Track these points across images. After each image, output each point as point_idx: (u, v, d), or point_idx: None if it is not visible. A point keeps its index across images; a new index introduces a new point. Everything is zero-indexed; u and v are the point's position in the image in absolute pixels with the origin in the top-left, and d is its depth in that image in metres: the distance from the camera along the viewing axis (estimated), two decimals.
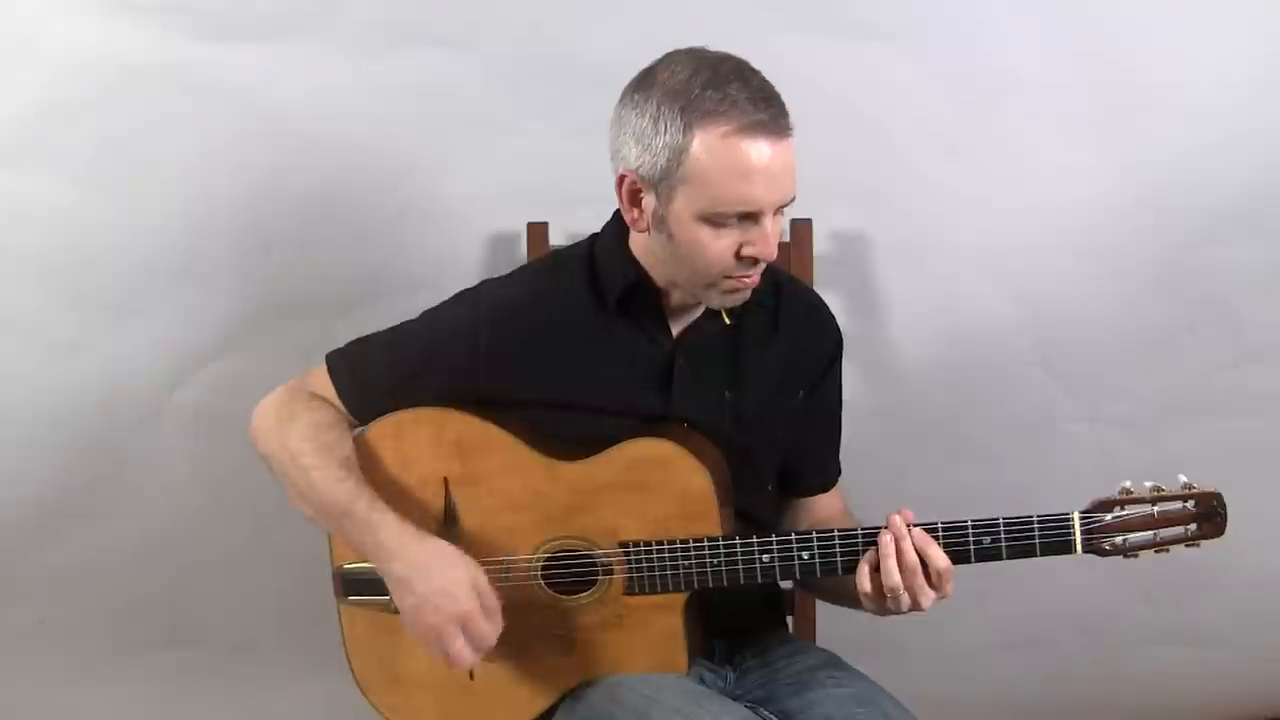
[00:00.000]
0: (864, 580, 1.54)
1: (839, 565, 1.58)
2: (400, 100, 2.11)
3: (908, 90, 2.16)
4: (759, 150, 1.50)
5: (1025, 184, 2.21)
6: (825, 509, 1.83)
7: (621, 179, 1.59)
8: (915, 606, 1.54)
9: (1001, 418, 2.33)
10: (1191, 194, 2.21)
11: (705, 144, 1.50)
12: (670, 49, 1.57)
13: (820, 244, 2.13)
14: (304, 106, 2.10)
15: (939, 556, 1.52)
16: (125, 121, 2.08)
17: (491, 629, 1.59)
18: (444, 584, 1.57)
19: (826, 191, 2.06)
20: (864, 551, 1.57)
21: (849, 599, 1.62)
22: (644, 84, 1.55)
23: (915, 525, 1.55)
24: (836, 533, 1.58)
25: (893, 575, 1.52)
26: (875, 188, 2.19)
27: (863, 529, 1.57)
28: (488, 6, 2.10)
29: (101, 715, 2.35)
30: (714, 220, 1.53)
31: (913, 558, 1.52)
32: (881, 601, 1.55)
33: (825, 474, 1.83)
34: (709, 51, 1.55)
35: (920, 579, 1.52)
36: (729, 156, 1.49)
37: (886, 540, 1.53)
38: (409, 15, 2.08)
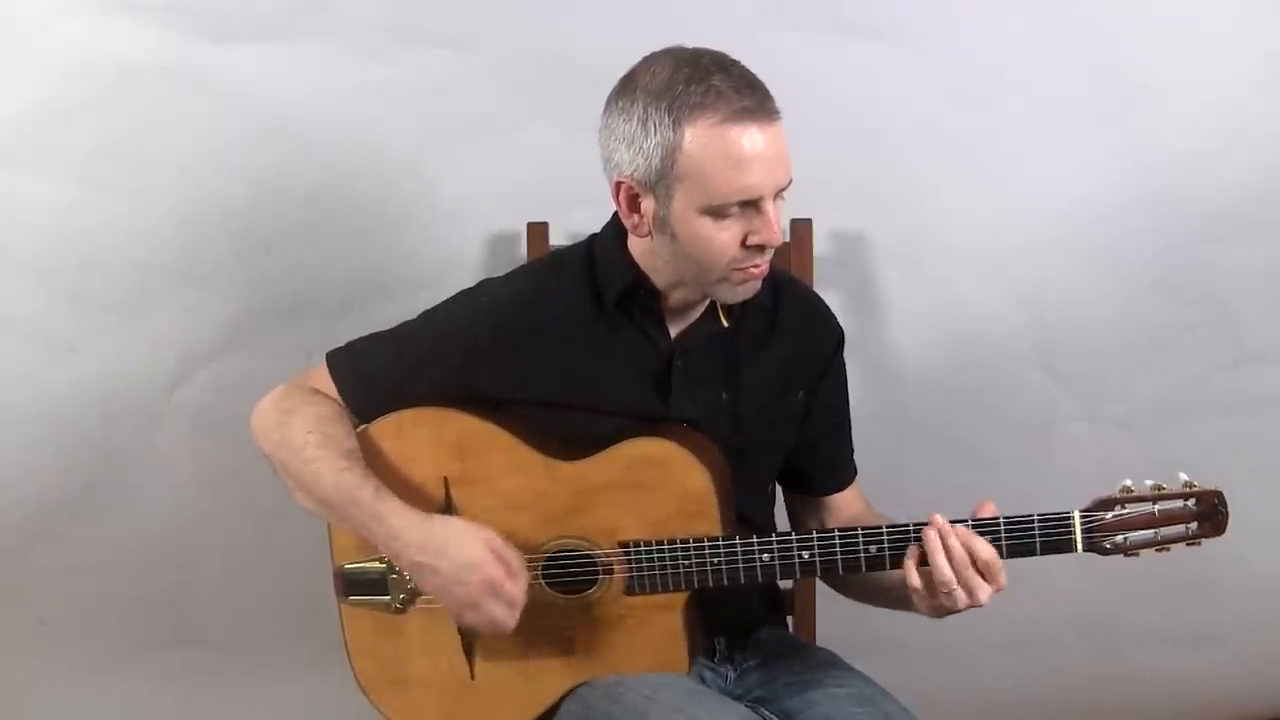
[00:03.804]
0: (913, 576, 1.54)
1: (839, 564, 1.58)
2: (400, 100, 2.12)
3: (908, 91, 2.16)
4: (750, 137, 1.50)
5: (1025, 184, 2.22)
6: (847, 509, 1.82)
7: (618, 186, 1.59)
8: (972, 601, 1.53)
9: (1001, 419, 2.33)
10: (1191, 194, 2.22)
11: (696, 137, 1.50)
12: (665, 47, 1.57)
13: (820, 244, 2.13)
14: (304, 107, 2.11)
15: (984, 548, 1.51)
16: (125, 122, 2.08)
17: (519, 586, 1.59)
18: (463, 557, 1.57)
19: (826, 192, 2.07)
20: (865, 550, 1.57)
21: (899, 601, 1.62)
22: (627, 89, 1.55)
23: (914, 524, 1.55)
24: (836, 532, 1.58)
25: (944, 570, 1.51)
26: (875, 188, 2.19)
27: (862, 529, 1.57)
28: (488, 6, 2.10)
29: (103, 715, 2.34)
30: (715, 212, 1.53)
31: (960, 552, 1.51)
32: (934, 597, 1.54)
33: (839, 473, 1.83)
34: (685, 48, 1.56)
35: (970, 572, 1.51)
36: (721, 146, 1.50)
37: (932, 536, 1.52)
38: (409, 16, 2.09)
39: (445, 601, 1.61)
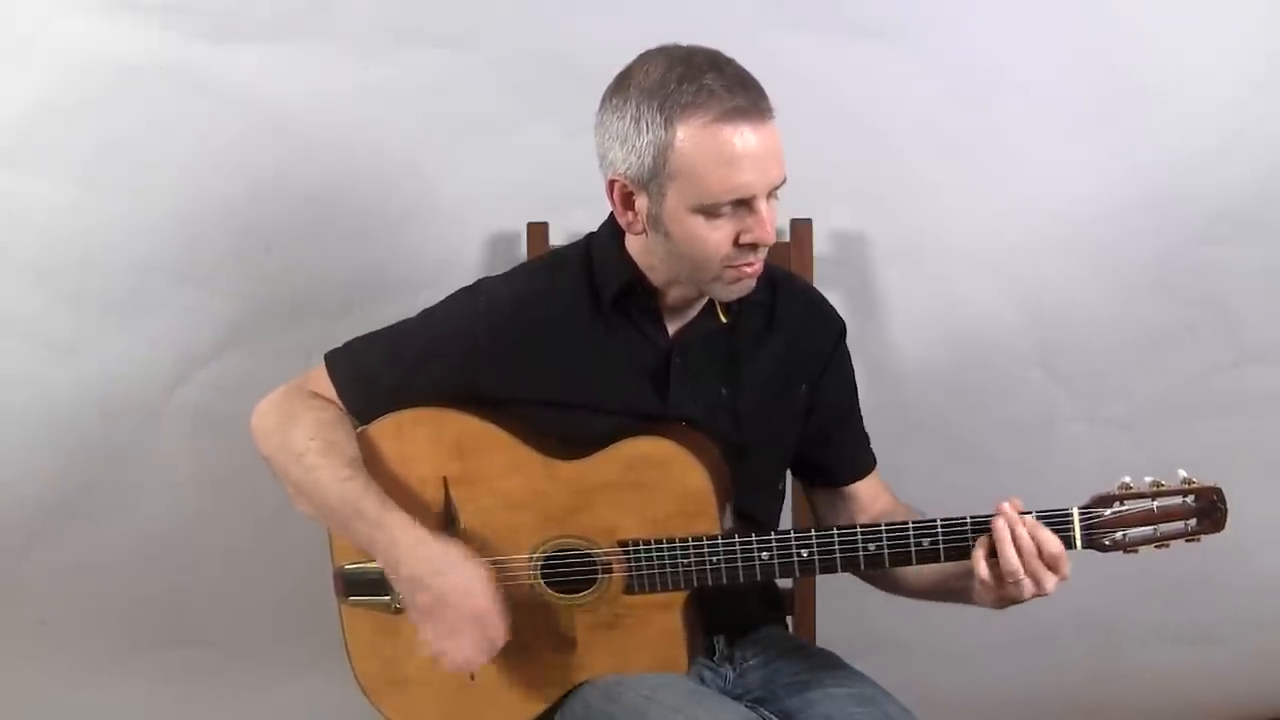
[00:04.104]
0: (981, 568, 1.53)
1: (838, 563, 1.58)
2: (400, 100, 2.12)
3: (908, 90, 2.16)
4: (742, 136, 1.50)
5: (1025, 184, 2.21)
6: (873, 502, 1.80)
7: (612, 184, 1.59)
8: (1039, 591, 1.52)
9: (1001, 418, 2.33)
10: (1191, 194, 2.22)
11: (688, 136, 1.50)
12: (660, 45, 1.58)
13: (820, 244, 2.13)
14: (304, 107, 2.11)
15: (1050, 540, 1.51)
16: (125, 122, 2.08)
17: (501, 629, 1.60)
18: (462, 582, 1.58)
19: (826, 191, 2.08)
20: (864, 548, 1.57)
21: (957, 593, 1.62)
22: (620, 87, 1.56)
23: (914, 522, 1.56)
24: (835, 531, 1.58)
25: (1011, 561, 1.51)
26: (875, 188, 2.19)
27: (862, 526, 1.58)
28: (488, 6, 2.10)
29: (103, 715, 2.34)
30: (708, 211, 1.53)
31: (1028, 542, 1.51)
32: (1001, 588, 1.53)
33: (855, 462, 1.81)
34: (680, 47, 1.56)
35: (1037, 562, 1.51)
36: (713, 145, 1.50)
37: (1001, 526, 1.52)
38: (409, 16, 2.09)
39: (425, 622, 1.60)
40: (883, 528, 1.57)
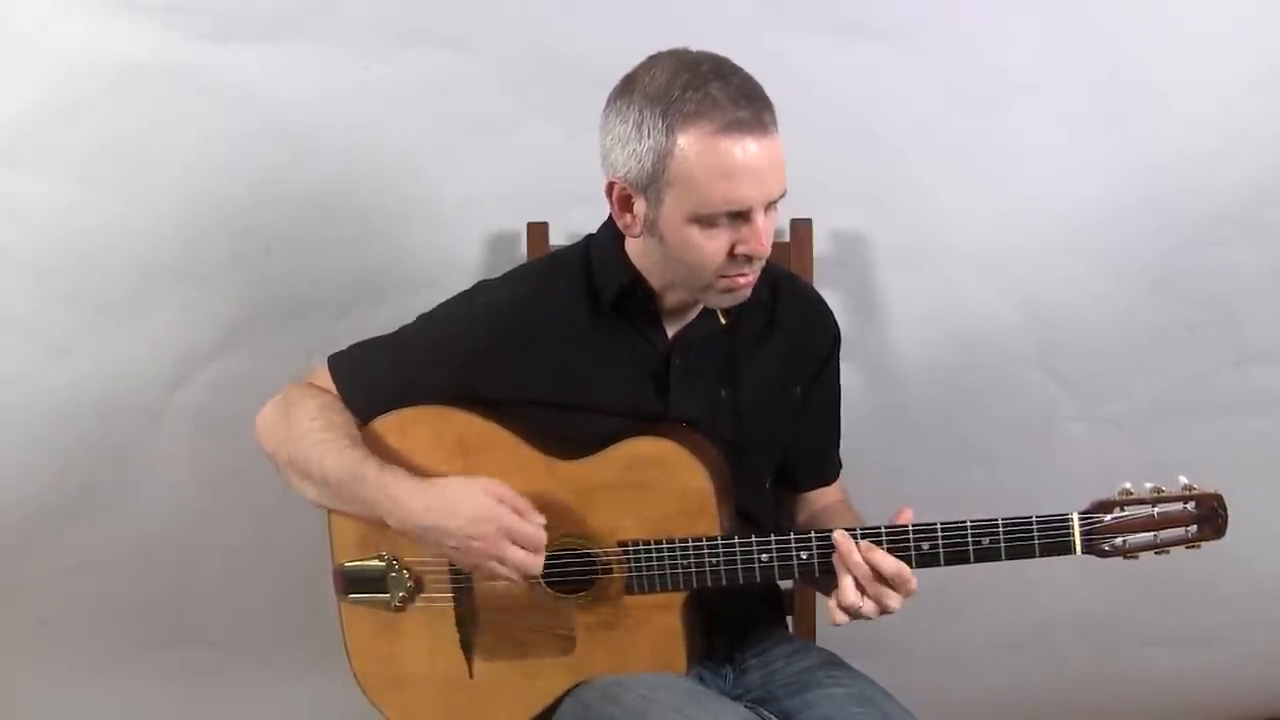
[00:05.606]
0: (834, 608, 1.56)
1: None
2: (400, 100, 2.12)
3: (908, 90, 2.16)
4: (743, 148, 1.49)
5: (1025, 185, 2.21)
6: (823, 500, 1.83)
7: (611, 185, 1.59)
8: (883, 610, 1.54)
9: (1001, 419, 2.33)
10: (1191, 195, 2.21)
11: (688, 146, 1.49)
12: (670, 49, 1.57)
13: (820, 244, 2.13)
14: (304, 107, 2.11)
15: (888, 563, 1.53)
16: (126, 122, 2.08)
17: (534, 526, 1.59)
18: (471, 511, 1.58)
19: (826, 192, 2.07)
20: None
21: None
22: (626, 90, 1.55)
23: (914, 525, 1.55)
24: (834, 533, 1.58)
25: (847, 595, 1.53)
26: (875, 188, 2.19)
27: (862, 529, 1.57)
28: (488, 6, 2.10)
29: (103, 715, 2.35)
30: (704, 221, 1.53)
31: (863, 568, 1.53)
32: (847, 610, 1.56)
33: (824, 470, 1.83)
34: (689, 52, 1.55)
35: (876, 585, 1.53)
36: (713, 157, 1.49)
37: (836, 561, 1.55)
38: (409, 15, 2.09)
39: (467, 561, 1.61)
40: (883, 530, 1.56)
